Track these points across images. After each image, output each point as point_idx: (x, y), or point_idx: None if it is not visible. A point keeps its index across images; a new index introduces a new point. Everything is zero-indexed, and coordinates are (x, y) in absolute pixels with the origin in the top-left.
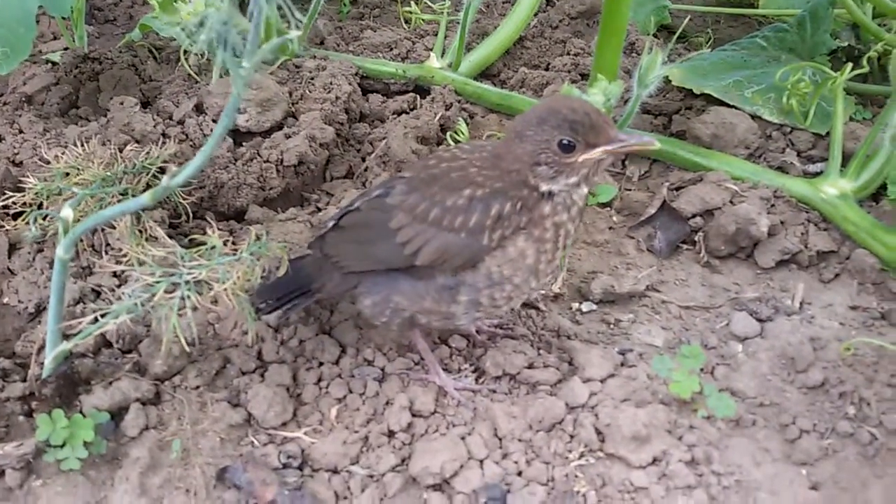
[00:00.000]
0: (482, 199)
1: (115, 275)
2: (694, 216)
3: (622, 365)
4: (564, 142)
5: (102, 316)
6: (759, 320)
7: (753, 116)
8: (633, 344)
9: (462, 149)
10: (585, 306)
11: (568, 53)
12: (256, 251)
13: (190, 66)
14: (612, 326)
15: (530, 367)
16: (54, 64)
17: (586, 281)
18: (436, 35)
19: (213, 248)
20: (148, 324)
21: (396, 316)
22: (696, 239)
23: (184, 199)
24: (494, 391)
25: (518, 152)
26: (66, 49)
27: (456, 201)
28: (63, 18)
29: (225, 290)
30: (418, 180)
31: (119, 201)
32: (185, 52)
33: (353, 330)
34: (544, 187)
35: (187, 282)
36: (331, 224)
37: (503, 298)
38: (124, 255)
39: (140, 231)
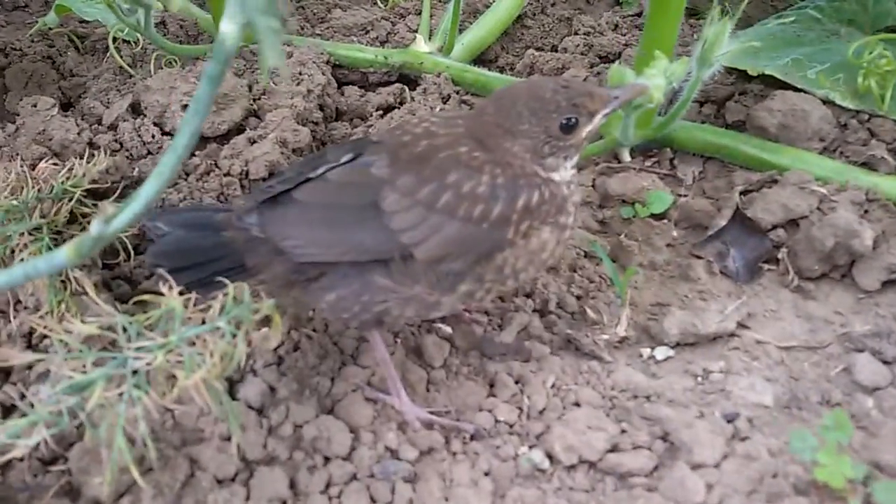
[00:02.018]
0: (505, 187)
1: (29, 344)
2: (774, 228)
3: (733, 437)
4: (571, 121)
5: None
6: (885, 362)
7: (824, 101)
8: (737, 404)
9: (430, 121)
10: (660, 352)
11: (576, 32)
12: (237, 315)
13: (122, 56)
14: (700, 380)
15: (614, 449)
16: None
17: (655, 317)
18: (418, 14)
19: (172, 311)
20: (79, 424)
21: (365, 312)
22: (779, 256)
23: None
24: (571, 488)
25: (515, 150)
26: None
27: (475, 188)
28: None
29: (194, 383)
30: (403, 160)
31: (31, 241)
32: (115, 38)
33: (364, 405)
34: (557, 177)
35: (135, 372)
36: (275, 192)
37: (498, 291)
38: (42, 319)
39: (63, 282)
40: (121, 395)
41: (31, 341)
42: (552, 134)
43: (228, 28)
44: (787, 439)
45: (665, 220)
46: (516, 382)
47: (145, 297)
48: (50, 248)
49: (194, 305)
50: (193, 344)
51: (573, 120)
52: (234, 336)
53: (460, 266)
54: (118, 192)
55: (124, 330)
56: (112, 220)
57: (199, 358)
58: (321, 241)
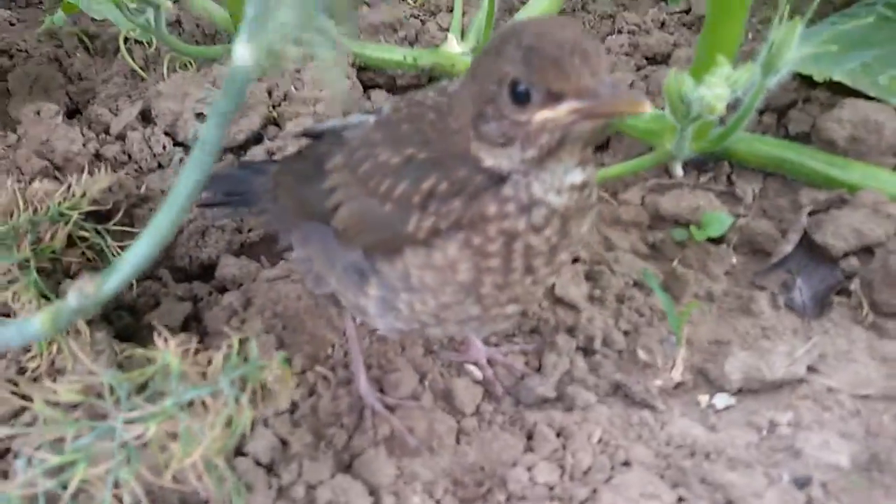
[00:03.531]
0: (419, 166)
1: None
2: (846, 255)
3: None
4: (520, 90)
5: None
6: None
7: None
8: (809, 466)
9: (443, 90)
10: (720, 400)
11: (620, 31)
12: (246, 373)
13: (133, 57)
14: (766, 433)
15: None
16: None
17: (714, 359)
18: (450, 11)
19: (167, 367)
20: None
21: (319, 286)
22: (851, 288)
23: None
24: None
25: (465, 99)
26: None
27: (390, 159)
28: None
29: (191, 459)
30: (381, 124)
31: (18, 276)
32: (127, 39)
33: (386, 461)
34: (489, 161)
35: (125, 444)
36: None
37: (428, 314)
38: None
39: None
40: (108, 471)
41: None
42: (501, 94)
43: (244, 54)
44: None
45: (723, 245)
46: (558, 435)
47: (136, 351)
48: (37, 286)
49: (195, 354)
50: (191, 406)
51: (523, 89)
52: (238, 400)
53: (359, 256)
54: (122, 211)
55: (113, 390)
56: (88, 291)
57: (198, 429)
58: (287, 190)
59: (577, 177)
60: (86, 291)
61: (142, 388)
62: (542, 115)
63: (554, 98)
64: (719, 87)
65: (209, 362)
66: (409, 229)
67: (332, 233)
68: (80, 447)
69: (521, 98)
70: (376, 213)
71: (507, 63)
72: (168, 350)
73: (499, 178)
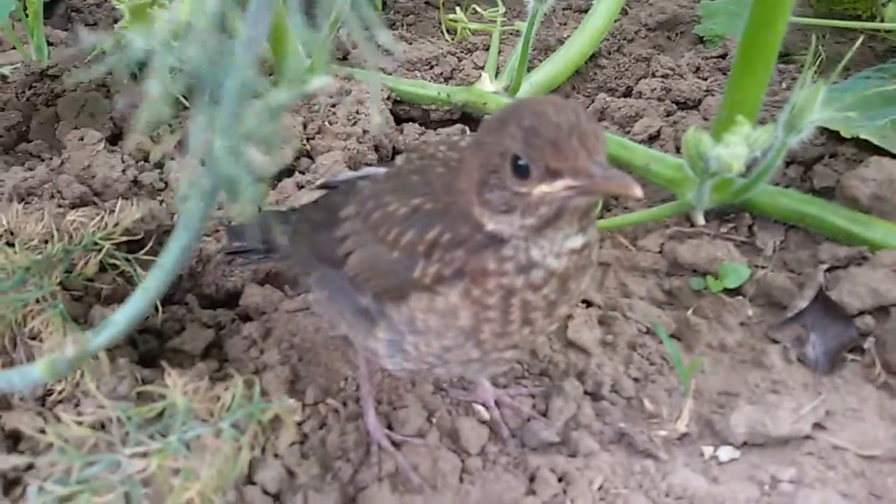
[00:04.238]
0: (425, 216)
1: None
2: (861, 313)
3: None
4: (521, 165)
5: None
6: None
7: None
8: None
9: (454, 144)
10: (724, 452)
11: (654, 75)
12: (247, 415)
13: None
14: (767, 489)
15: None
16: (4, 79)
17: (720, 410)
18: (486, 49)
19: (172, 405)
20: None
21: (333, 328)
22: (864, 346)
23: None
24: None
25: (471, 165)
26: (21, 62)
27: (398, 209)
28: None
29: (189, 494)
30: (391, 175)
31: (50, 303)
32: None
33: (389, 497)
34: (491, 226)
35: (128, 479)
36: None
37: (433, 356)
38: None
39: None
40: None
41: (44, 402)
42: (504, 167)
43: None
44: None
45: (739, 297)
46: (559, 480)
47: (148, 387)
48: (64, 318)
49: (211, 388)
50: (198, 440)
51: (523, 164)
52: (238, 440)
53: (374, 296)
54: (153, 240)
55: (121, 421)
56: (86, 346)
57: (196, 465)
58: (305, 238)
59: (577, 241)
60: (81, 344)
61: (158, 416)
62: (541, 189)
63: (552, 174)
64: (738, 147)
65: (218, 399)
66: (415, 275)
67: (343, 278)
68: (84, 479)
69: (521, 172)
70: (385, 260)
71: (509, 139)
72: (175, 387)
73: (499, 240)
